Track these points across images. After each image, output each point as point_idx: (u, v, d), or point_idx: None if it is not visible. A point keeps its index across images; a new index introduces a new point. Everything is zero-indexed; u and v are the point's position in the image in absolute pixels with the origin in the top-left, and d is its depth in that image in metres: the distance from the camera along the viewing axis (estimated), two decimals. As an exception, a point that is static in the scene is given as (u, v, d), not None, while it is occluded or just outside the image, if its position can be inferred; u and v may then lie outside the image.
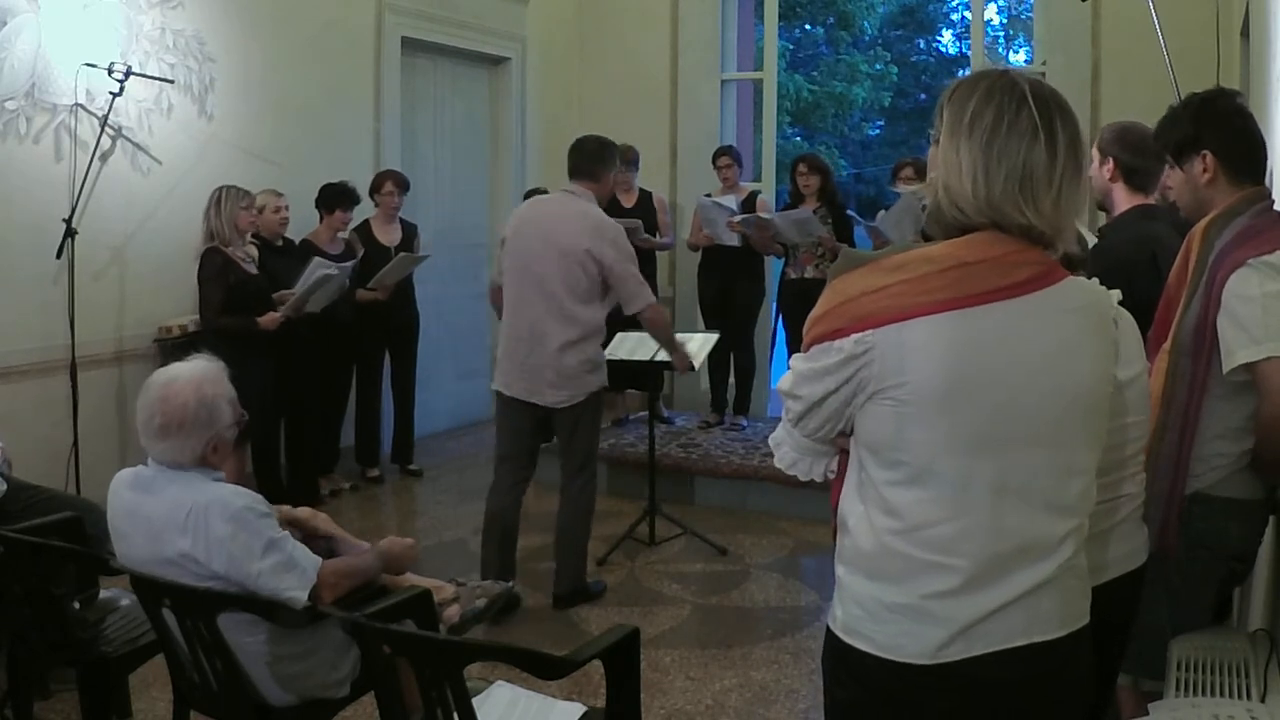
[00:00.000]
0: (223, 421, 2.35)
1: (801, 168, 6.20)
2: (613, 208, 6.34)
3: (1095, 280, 1.55)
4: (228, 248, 4.69)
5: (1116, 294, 1.63)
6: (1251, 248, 2.03)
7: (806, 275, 6.01)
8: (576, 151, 4.08)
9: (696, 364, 4.68)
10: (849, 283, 1.41)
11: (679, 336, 4.87)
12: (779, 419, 1.56)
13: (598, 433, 4.21)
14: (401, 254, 5.61)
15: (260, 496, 2.34)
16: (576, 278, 3.88)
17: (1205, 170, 2.16)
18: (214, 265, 4.64)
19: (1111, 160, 2.63)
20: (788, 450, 1.55)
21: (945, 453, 1.38)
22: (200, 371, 2.37)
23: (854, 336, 1.38)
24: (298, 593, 2.26)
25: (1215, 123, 2.16)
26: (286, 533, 2.35)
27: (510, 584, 3.38)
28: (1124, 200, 2.65)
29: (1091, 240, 2.41)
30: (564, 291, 3.88)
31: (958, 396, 1.36)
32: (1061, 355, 1.40)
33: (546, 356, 3.92)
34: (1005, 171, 1.37)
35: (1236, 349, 2.02)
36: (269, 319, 4.76)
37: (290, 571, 2.27)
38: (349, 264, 5.25)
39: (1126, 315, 1.68)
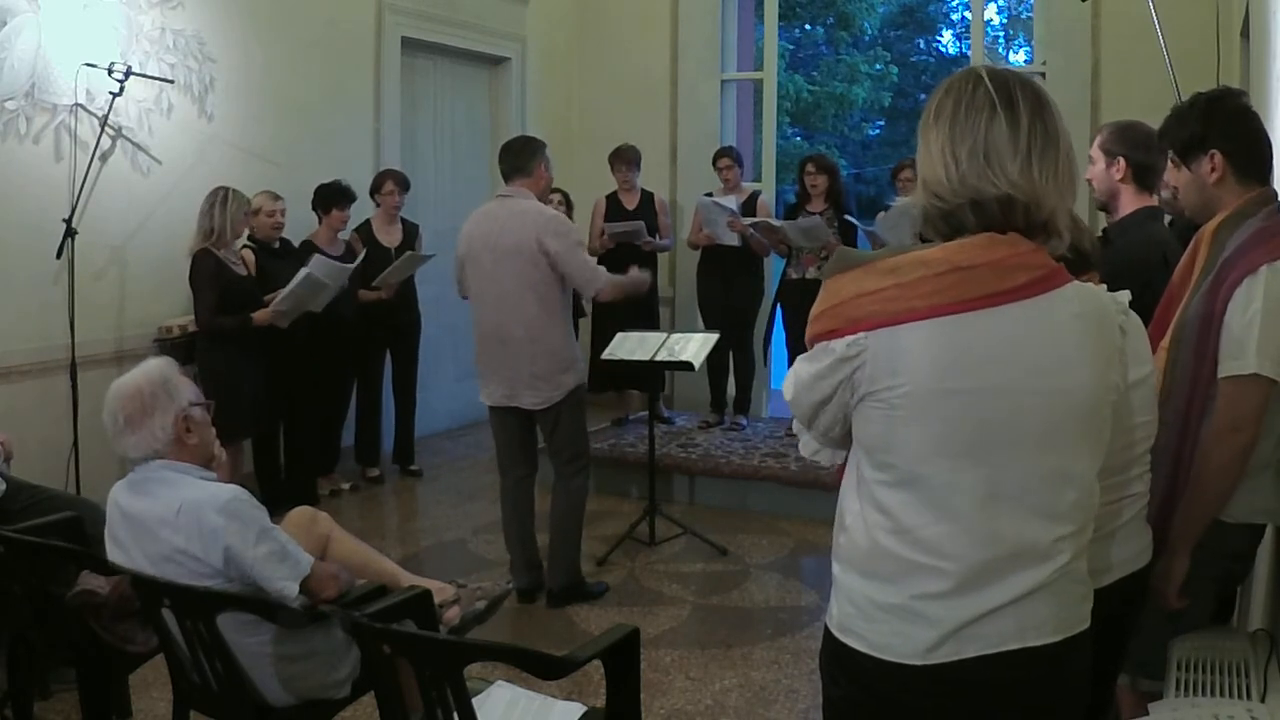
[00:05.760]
0: (183, 396, 2.39)
1: (810, 167, 6.20)
2: (615, 209, 6.38)
3: (1104, 286, 1.55)
4: (220, 250, 4.69)
5: (1125, 295, 1.62)
6: (1265, 251, 2.02)
7: (808, 276, 6.01)
8: (505, 153, 4.11)
9: (696, 364, 4.69)
10: (843, 283, 1.41)
11: (678, 335, 4.90)
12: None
13: (583, 427, 4.23)
14: (407, 253, 5.62)
15: (248, 492, 2.36)
16: (531, 277, 3.90)
17: (1213, 170, 2.13)
18: (207, 267, 4.64)
19: (1122, 160, 2.60)
20: (808, 440, 1.56)
21: (934, 457, 1.37)
22: (144, 365, 2.44)
23: (847, 339, 1.38)
24: (289, 583, 2.28)
25: (1224, 122, 2.14)
26: (278, 526, 2.37)
27: (510, 585, 3.39)
28: (1131, 201, 2.63)
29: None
30: (523, 293, 3.91)
31: (947, 402, 1.36)
32: (1058, 363, 1.38)
33: (520, 360, 3.96)
34: (968, 148, 1.39)
35: (1228, 357, 2.02)
36: (262, 314, 4.76)
37: (284, 562, 2.29)
38: (347, 266, 5.21)
39: (1134, 317, 1.68)
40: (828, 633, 1.51)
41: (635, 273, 4.29)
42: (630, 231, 6.18)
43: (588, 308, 6.16)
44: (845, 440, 1.50)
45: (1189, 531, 2.06)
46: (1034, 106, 1.39)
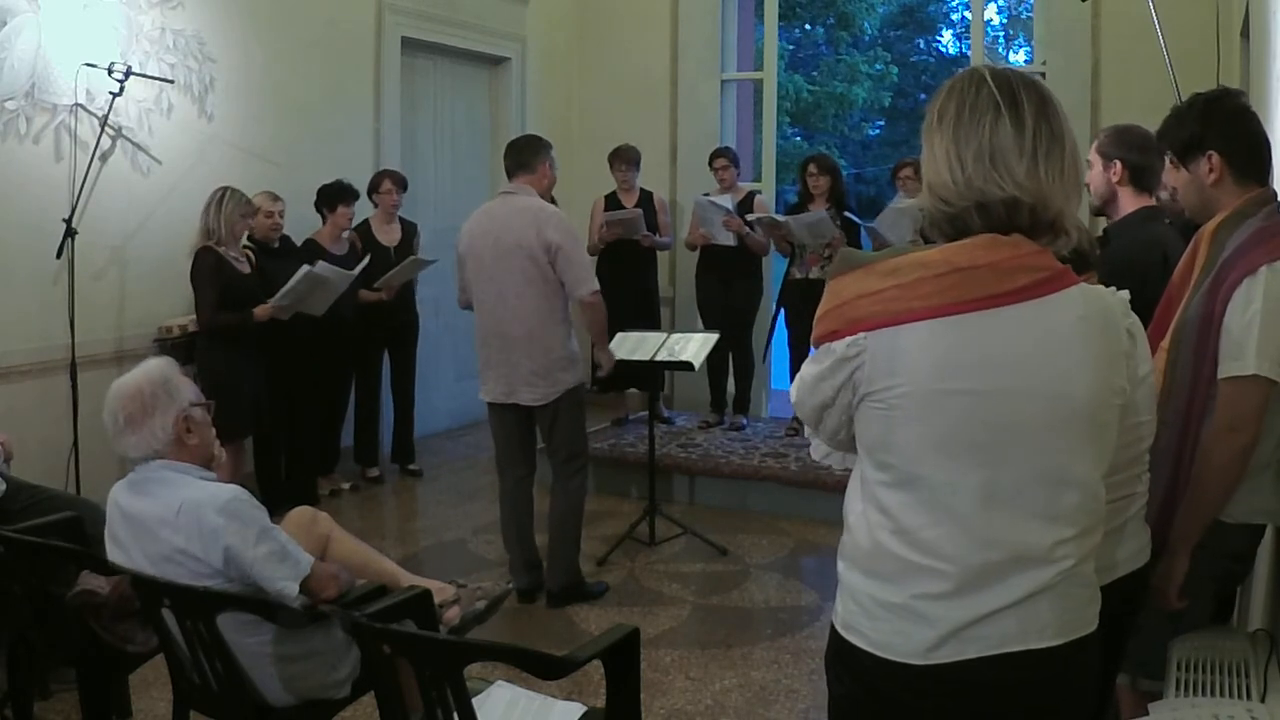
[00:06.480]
0: (183, 396, 2.39)
1: (812, 168, 6.19)
2: (614, 209, 6.37)
3: (1113, 288, 1.54)
4: (221, 248, 4.69)
5: (1125, 294, 1.62)
6: (1264, 252, 2.02)
7: (811, 276, 6.01)
8: (510, 149, 4.14)
9: (696, 364, 4.69)
10: (844, 284, 1.41)
11: (678, 335, 4.90)
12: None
13: (582, 426, 4.23)
14: (411, 257, 5.62)
15: (248, 492, 2.36)
16: (532, 273, 3.90)
17: (1211, 170, 2.13)
18: (207, 264, 4.64)
19: (1118, 163, 2.60)
20: (819, 443, 1.57)
21: (932, 458, 1.37)
22: (144, 365, 2.44)
23: (847, 340, 1.39)
24: (289, 584, 2.27)
25: (1222, 122, 2.14)
26: (278, 526, 2.37)
27: (510, 585, 3.39)
28: (1130, 202, 2.63)
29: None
30: (523, 290, 3.92)
31: (945, 403, 1.36)
32: (1059, 366, 1.37)
33: (519, 357, 3.97)
34: (974, 151, 1.38)
35: (1228, 357, 2.02)
36: (263, 310, 4.75)
37: (284, 562, 2.29)
38: (351, 273, 5.17)
39: (1135, 318, 1.68)
40: (833, 630, 1.51)
41: (608, 353, 4.25)
42: (629, 221, 6.17)
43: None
44: (855, 443, 1.50)
45: (1189, 532, 2.06)
46: (1038, 106, 1.39)
